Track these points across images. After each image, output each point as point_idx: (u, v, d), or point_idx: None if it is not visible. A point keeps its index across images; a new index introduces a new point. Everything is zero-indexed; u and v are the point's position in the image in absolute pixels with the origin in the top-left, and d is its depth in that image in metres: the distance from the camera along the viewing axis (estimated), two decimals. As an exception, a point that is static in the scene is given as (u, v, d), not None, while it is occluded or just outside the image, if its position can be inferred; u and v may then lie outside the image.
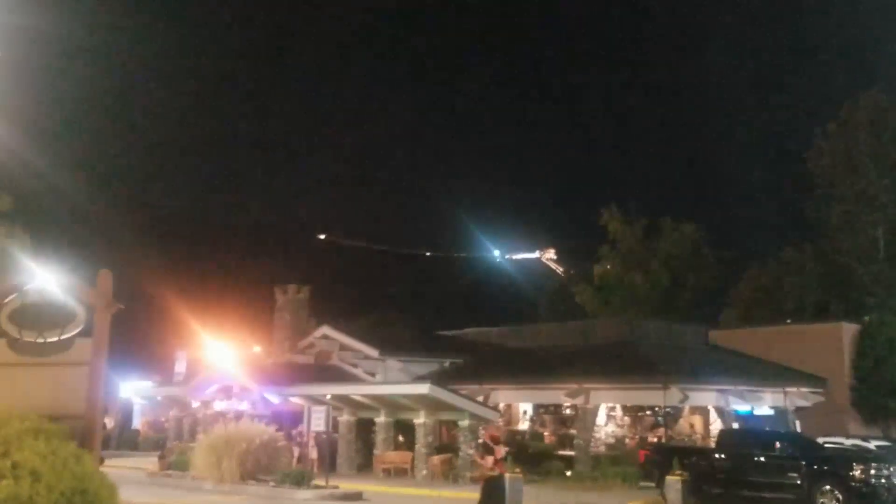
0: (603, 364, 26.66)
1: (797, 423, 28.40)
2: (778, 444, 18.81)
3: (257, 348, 40.38)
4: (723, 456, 19.44)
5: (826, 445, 20.71)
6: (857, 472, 17.27)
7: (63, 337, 8.87)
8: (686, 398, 24.52)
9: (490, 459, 24.12)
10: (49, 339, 8.88)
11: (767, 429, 25.04)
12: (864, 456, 18.32)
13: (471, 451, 24.74)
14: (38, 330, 8.87)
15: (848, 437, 24.45)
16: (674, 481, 18.72)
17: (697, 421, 28.42)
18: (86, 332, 9.21)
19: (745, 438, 20.30)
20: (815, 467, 17.87)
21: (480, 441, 25.39)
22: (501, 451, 24.37)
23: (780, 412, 28.53)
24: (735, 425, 25.81)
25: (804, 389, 28.96)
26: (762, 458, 18.71)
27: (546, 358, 29.47)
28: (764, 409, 28.86)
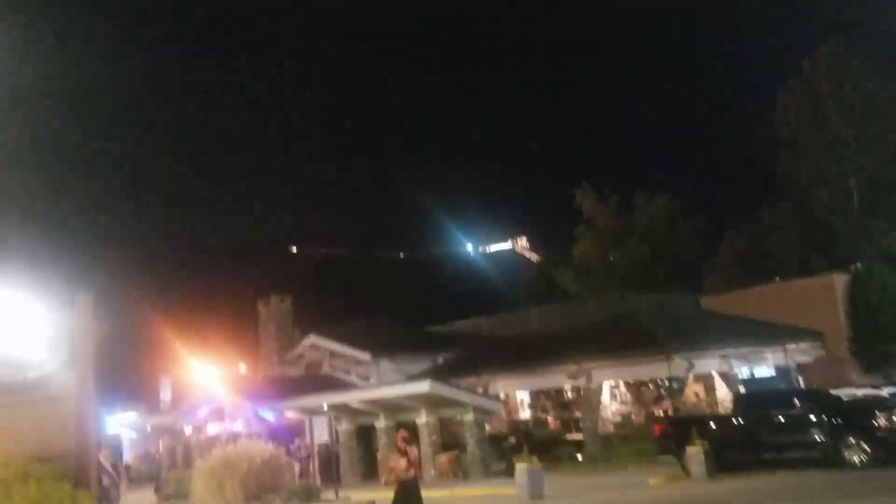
0: (601, 341, 26.12)
1: (801, 379, 28.06)
2: (796, 401, 18.31)
3: (243, 366, 39.35)
4: (741, 420, 18.93)
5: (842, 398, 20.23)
6: (881, 421, 16.82)
7: (43, 370, 8.04)
8: (692, 366, 24.04)
9: (404, 461, 23.48)
10: (28, 375, 8.04)
11: (782, 386, 24.62)
12: (884, 403, 17.85)
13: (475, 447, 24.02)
14: (13, 364, 8.03)
15: (857, 387, 24.05)
16: (695, 452, 18.21)
17: (701, 389, 27.93)
18: (71, 363, 8.36)
19: (761, 399, 19.78)
20: (838, 420, 17.41)
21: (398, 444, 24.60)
22: (414, 452, 23.77)
23: (782, 371, 28.15)
24: (741, 389, 25.37)
25: (803, 345, 28.62)
26: (781, 418, 18.23)
27: (542, 342, 28.85)
28: (764, 370, 28.50)
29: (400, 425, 26.05)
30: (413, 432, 25.59)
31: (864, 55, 40.18)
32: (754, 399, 20.29)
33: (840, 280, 31.20)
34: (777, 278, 36.57)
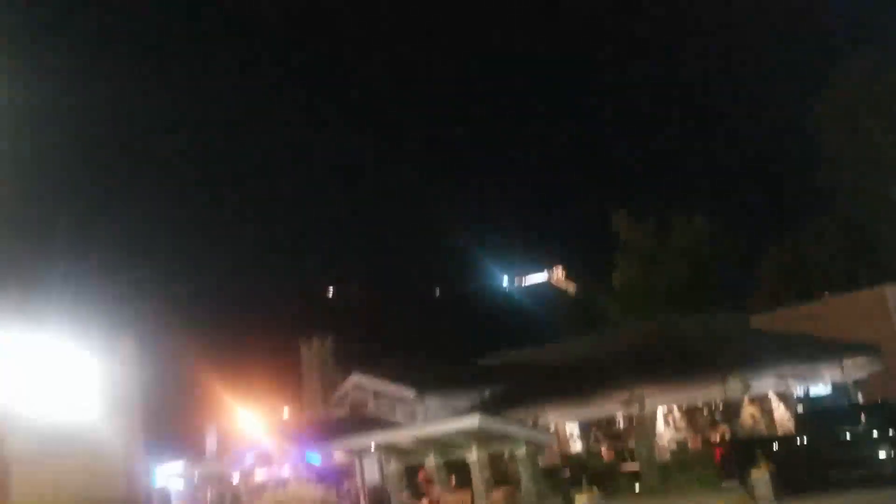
0: (653, 366, 25.43)
1: (859, 395, 27.11)
2: (864, 417, 17.58)
3: (287, 410, 39.15)
4: (805, 440, 18.20)
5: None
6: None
7: (88, 419, 7.84)
8: (748, 387, 23.28)
9: (425, 501, 23.17)
10: (73, 423, 7.83)
11: (845, 402, 23.78)
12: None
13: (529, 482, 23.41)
14: (58, 413, 7.84)
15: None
16: (760, 474, 17.50)
17: (757, 410, 27.06)
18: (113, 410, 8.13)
19: (825, 417, 19.06)
20: (911, 434, 16.63)
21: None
22: (435, 490, 23.38)
23: (839, 387, 27.22)
24: (799, 408, 24.54)
25: (860, 360, 27.59)
26: (848, 435, 17.49)
27: (591, 370, 28.18)
28: (820, 388, 27.59)
29: (450, 463, 25.54)
30: (464, 469, 25.12)
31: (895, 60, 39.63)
32: (818, 417, 19.58)
33: (892, 292, 30.32)
34: (826, 293, 35.71)
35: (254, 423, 32.48)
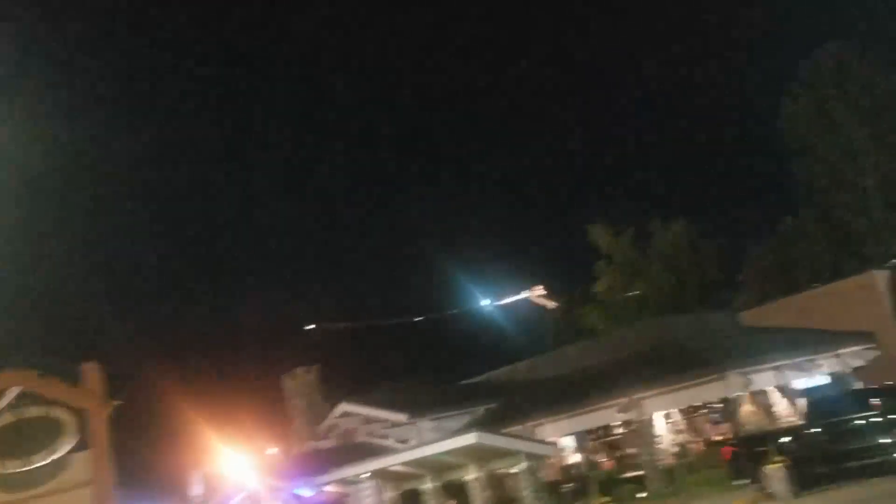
0: (649, 369, 24.80)
1: (860, 383, 26.60)
2: (875, 401, 16.97)
3: (274, 448, 37.95)
4: (818, 430, 17.56)
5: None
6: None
7: (54, 457, 6.95)
8: (750, 382, 22.68)
9: None
10: (38, 464, 6.94)
11: (854, 388, 23.23)
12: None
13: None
14: (21, 456, 6.94)
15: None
16: (775, 470, 16.80)
17: (758, 406, 26.46)
18: (82, 446, 7.22)
19: (836, 405, 18.43)
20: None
21: None
22: None
23: (838, 377, 26.72)
24: (802, 400, 23.96)
25: (856, 348, 27.25)
26: (862, 422, 16.86)
27: (585, 379, 27.53)
28: (818, 379, 27.07)
29: (448, 485, 24.63)
30: (463, 491, 24.21)
31: (865, 54, 39.76)
32: (828, 406, 18.92)
33: (881, 276, 29.96)
34: (815, 284, 35.37)
35: (241, 463, 31.34)
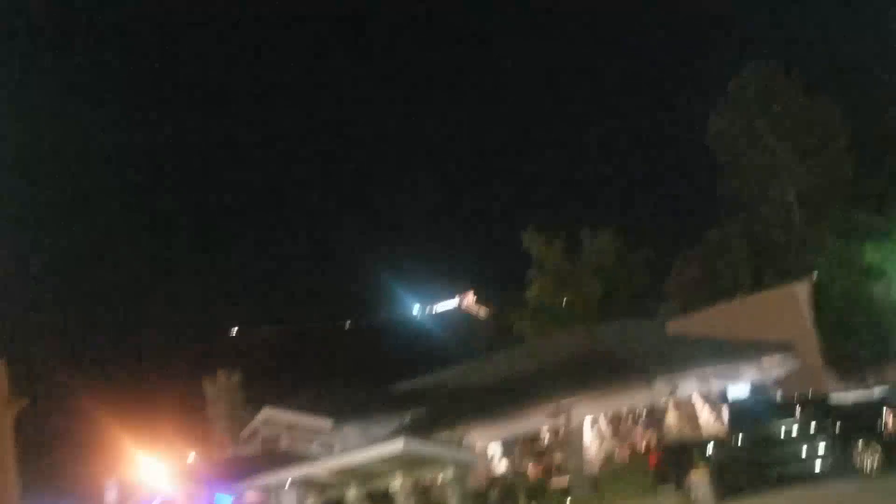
0: (577, 376, 24.81)
1: (780, 392, 27.17)
2: (796, 410, 17.25)
3: (193, 454, 36.75)
4: (740, 438, 17.74)
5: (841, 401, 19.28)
6: (889, 421, 15.81)
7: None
8: (676, 388, 22.88)
9: None
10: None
11: (776, 397, 23.63)
12: (889, 402, 16.90)
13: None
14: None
15: (843, 392, 23.19)
16: (699, 477, 16.89)
17: (683, 414, 26.76)
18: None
19: (758, 413, 18.68)
20: (842, 425, 16.35)
21: None
22: None
23: (759, 386, 27.24)
24: (724, 409, 24.28)
25: (777, 358, 27.78)
26: (783, 430, 17.10)
27: (514, 385, 27.35)
28: (740, 388, 27.55)
29: (373, 493, 24.11)
30: (388, 500, 23.73)
31: (788, 72, 40.94)
32: (750, 414, 19.18)
33: (802, 289, 30.75)
34: (737, 295, 36.15)
35: (157, 469, 30.22)
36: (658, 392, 22.76)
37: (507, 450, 29.13)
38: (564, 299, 47.24)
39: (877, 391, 21.44)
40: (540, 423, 25.78)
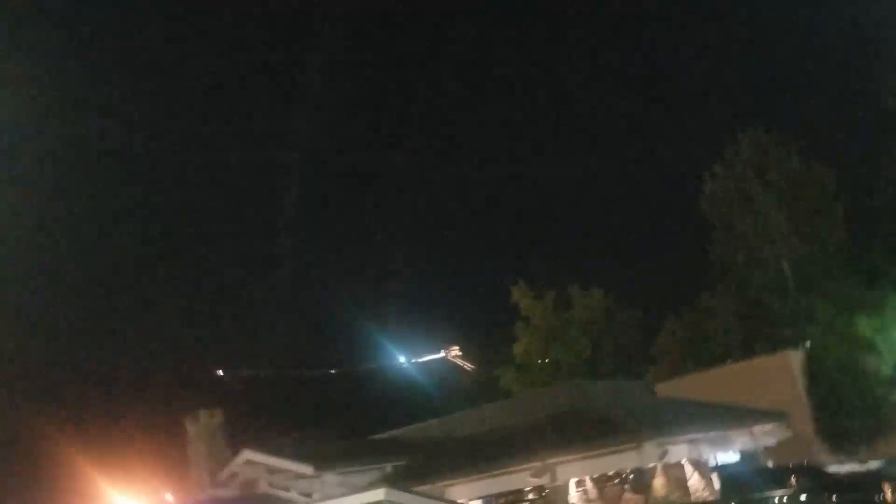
0: (564, 434, 24.35)
1: (769, 463, 26.74)
2: (794, 479, 16.89)
3: (169, 495, 35.82)
4: (732, 505, 17.33)
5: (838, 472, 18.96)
6: (888, 493, 15.49)
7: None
8: (666, 452, 22.41)
9: None
10: None
11: (770, 465, 23.20)
12: (887, 475, 16.59)
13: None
14: None
15: (836, 464, 22.89)
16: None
17: (670, 479, 26.25)
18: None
19: (751, 480, 18.28)
20: (841, 496, 16.00)
21: None
22: None
23: (749, 454, 26.84)
24: (714, 476, 23.88)
25: (768, 426, 27.42)
26: (778, 498, 16.72)
27: (499, 440, 26.89)
28: (729, 455, 27.15)
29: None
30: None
31: (785, 138, 41.29)
32: (742, 481, 18.79)
33: (795, 357, 30.55)
34: (727, 360, 35.90)
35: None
36: (647, 455, 22.28)
37: (488, 507, 28.49)
38: (552, 356, 46.98)
39: (872, 464, 21.16)
40: (524, 480, 25.18)
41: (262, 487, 28.80)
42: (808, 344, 32.09)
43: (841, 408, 28.74)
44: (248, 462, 29.46)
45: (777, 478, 17.77)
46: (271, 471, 28.87)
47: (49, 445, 34.77)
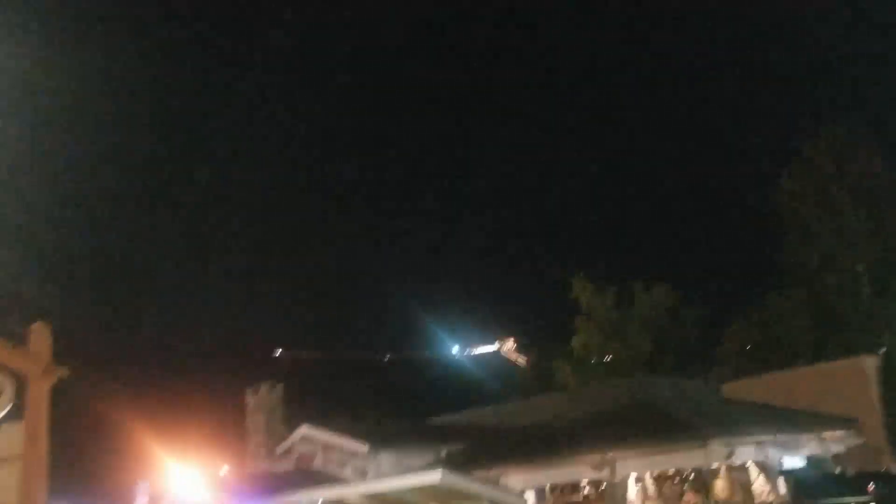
0: (627, 428, 23.79)
1: (838, 469, 25.73)
2: (871, 486, 16.12)
3: (226, 466, 36.32)
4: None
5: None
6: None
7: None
8: (732, 453, 21.72)
9: None
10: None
11: (841, 471, 22.32)
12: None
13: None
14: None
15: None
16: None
17: (733, 481, 25.48)
18: (16, 415, 6.18)
19: (826, 486, 17.55)
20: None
21: None
22: None
23: (817, 460, 25.85)
24: (781, 480, 23.04)
25: (839, 433, 26.39)
26: (853, 505, 15.99)
27: (557, 431, 26.42)
28: (796, 461, 26.21)
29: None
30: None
31: (867, 138, 39.79)
32: (814, 487, 18.03)
33: (870, 364, 29.33)
34: (797, 364, 34.74)
35: (191, 478, 29.89)
36: (712, 455, 21.63)
37: (540, 498, 28.02)
38: (612, 352, 46.26)
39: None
40: (581, 473, 24.75)
41: (318, 463, 28.95)
42: (882, 350, 30.80)
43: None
44: (306, 438, 29.66)
45: (852, 484, 16.97)
46: (327, 447, 28.99)
47: (108, 413, 35.52)
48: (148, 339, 58.59)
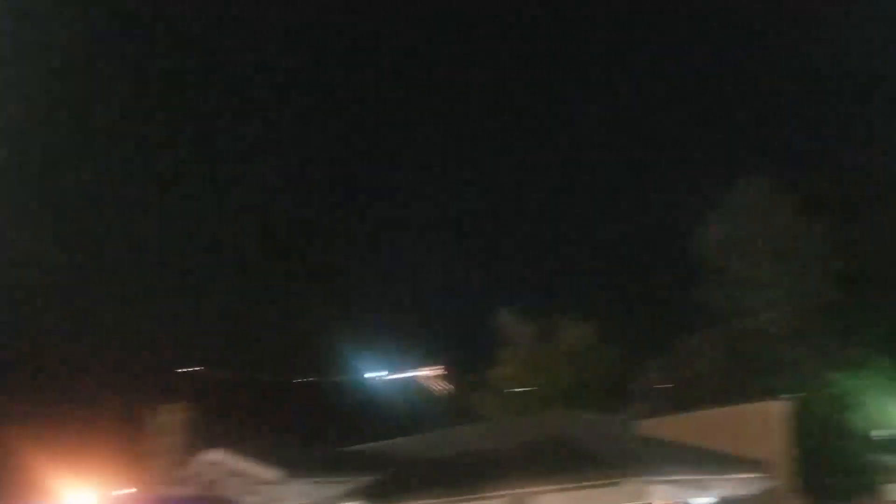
0: (541, 464, 23.61)
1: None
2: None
3: (123, 490, 34.70)
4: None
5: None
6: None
7: None
8: (645, 493, 21.73)
9: None
10: None
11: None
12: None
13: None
14: None
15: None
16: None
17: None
18: None
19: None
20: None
21: None
22: None
23: (728, 502, 26.17)
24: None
25: (751, 475, 26.85)
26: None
27: (473, 464, 26.10)
28: (706, 501, 26.47)
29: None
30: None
31: (782, 194, 41.01)
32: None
33: (779, 408, 29.97)
34: (709, 406, 35.31)
35: (86, 502, 28.44)
36: (626, 493, 21.60)
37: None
38: (533, 384, 46.60)
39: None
40: (496, 508, 24.40)
41: (226, 490, 27.85)
42: (791, 396, 31.58)
43: (822, 464, 28.24)
44: (213, 462, 28.56)
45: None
46: (236, 474, 27.95)
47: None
48: (45, 352, 55.79)
